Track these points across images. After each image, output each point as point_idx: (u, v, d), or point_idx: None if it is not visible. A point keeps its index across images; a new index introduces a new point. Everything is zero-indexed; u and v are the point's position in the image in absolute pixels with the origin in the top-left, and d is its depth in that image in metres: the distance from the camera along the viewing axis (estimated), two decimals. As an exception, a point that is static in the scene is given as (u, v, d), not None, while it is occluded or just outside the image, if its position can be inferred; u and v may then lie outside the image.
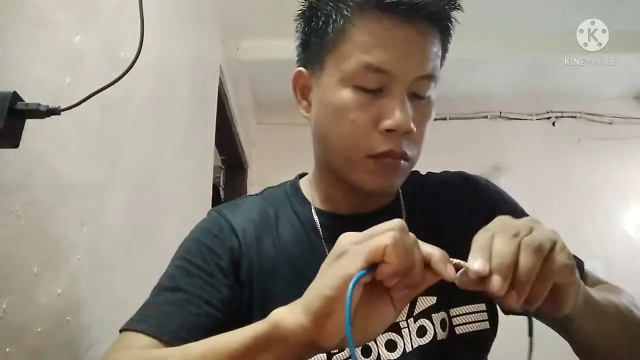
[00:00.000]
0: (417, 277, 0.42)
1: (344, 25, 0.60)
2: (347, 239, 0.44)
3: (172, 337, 0.55)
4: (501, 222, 0.45)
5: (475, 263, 0.42)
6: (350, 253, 0.42)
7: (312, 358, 0.59)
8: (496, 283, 0.41)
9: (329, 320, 0.41)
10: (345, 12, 0.60)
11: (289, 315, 0.43)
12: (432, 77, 0.61)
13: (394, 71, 0.58)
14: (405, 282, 0.43)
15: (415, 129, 0.59)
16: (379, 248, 0.41)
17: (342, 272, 0.41)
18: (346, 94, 0.60)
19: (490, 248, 0.43)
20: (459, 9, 0.62)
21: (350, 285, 0.40)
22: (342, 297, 0.40)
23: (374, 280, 0.44)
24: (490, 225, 0.45)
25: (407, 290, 0.43)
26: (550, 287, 0.43)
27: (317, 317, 0.41)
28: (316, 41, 0.64)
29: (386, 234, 0.42)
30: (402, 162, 0.61)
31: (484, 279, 0.42)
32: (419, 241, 0.44)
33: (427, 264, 0.43)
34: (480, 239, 0.44)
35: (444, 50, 0.65)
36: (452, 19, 0.63)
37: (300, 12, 0.67)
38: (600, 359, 0.61)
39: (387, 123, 0.58)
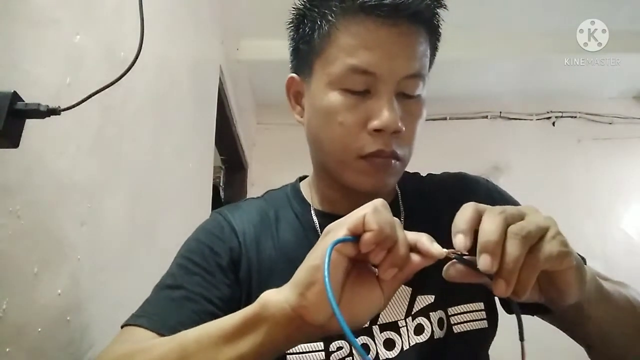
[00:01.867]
0: (402, 253, 0.43)
1: (329, 30, 0.61)
2: (335, 223, 0.45)
3: (171, 332, 0.55)
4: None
5: (456, 239, 0.42)
6: (334, 229, 0.44)
7: (311, 358, 0.60)
8: (484, 262, 0.40)
9: (311, 290, 0.42)
10: (330, 18, 0.61)
11: (276, 294, 0.45)
12: (420, 76, 0.61)
13: (380, 72, 0.59)
14: (390, 260, 0.43)
15: (403, 128, 0.60)
16: (359, 216, 0.42)
17: (326, 244, 0.42)
18: (334, 97, 0.61)
19: (470, 223, 0.42)
20: (444, 8, 0.63)
21: (329, 248, 0.41)
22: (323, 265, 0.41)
23: (361, 264, 0.45)
24: (470, 203, 0.45)
25: (394, 270, 0.43)
26: (544, 276, 0.43)
27: (300, 288, 0.42)
28: (304, 47, 0.65)
29: (366, 205, 0.44)
30: (393, 161, 0.61)
31: (470, 272, 0.43)
32: (406, 231, 0.44)
33: (414, 249, 0.44)
34: (459, 217, 0.44)
35: (433, 49, 0.65)
36: (438, 18, 0.63)
37: (290, 19, 0.68)
38: (613, 357, 0.59)
39: (375, 123, 0.59)
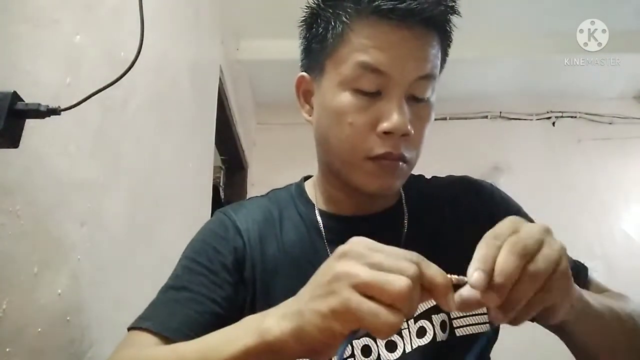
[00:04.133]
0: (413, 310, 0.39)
1: (343, 30, 0.61)
2: (358, 246, 0.41)
3: (176, 334, 0.56)
4: (511, 234, 0.41)
5: (472, 278, 0.39)
6: (349, 264, 0.40)
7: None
8: (491, 300, 0.39)
9: (323, 351, 0.42)
10: (344, 19, 0.61)
11: (277, 330, 0.42)
12: (430, 77, 0.61)
13: (391, 72, 0.59)
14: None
15: (412, 132, 0.60)
16: (394, 288, 0.37)
17: (337, 275, 0.39)
18: (345, 97, 0.61)
19: (492, 259, 0.40)
20: (456, 14, 0.63)
21: (340, 351, 0.40)
22: (334, 339, 0.40)
23: None
24: (498, 229, 0.42)
25: None
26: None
27: (309, 346, 0.41)
28: (317, 47, 0.65)
29: (399, 280, 0.37)
30: (400, 163, 0.61)
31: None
32: (424, 261, 0.40)
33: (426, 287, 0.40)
34: (482, 248, 0.41)
35: (444, 54, 0.65)
36: (450, 24, 0.63)
37: (302, 18, 0.68)
38: None
39: (385, 125, 0.59)
